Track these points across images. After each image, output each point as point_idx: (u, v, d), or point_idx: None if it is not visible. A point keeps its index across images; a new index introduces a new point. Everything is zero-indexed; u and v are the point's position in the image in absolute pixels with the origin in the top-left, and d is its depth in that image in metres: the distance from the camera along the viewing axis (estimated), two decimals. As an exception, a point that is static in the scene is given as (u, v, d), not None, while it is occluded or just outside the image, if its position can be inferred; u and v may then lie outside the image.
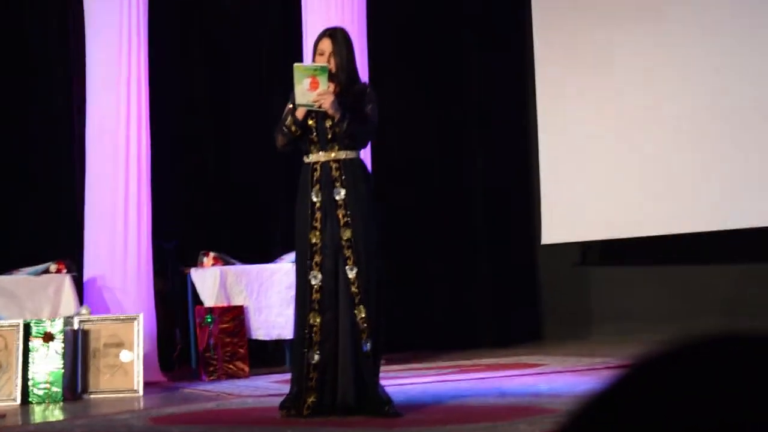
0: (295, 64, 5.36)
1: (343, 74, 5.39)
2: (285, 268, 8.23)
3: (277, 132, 5.47)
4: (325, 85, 5.23)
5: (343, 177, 5.33)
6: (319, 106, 5.25)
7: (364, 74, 7.84)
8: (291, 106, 5.39)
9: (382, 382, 5.34)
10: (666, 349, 0.82)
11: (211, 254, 8.36)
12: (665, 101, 9.17)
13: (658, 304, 9.72)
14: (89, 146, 8.11)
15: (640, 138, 9.31)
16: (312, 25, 8.43)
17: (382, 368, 5.47)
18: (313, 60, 5.46)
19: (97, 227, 7.99)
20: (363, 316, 5.21)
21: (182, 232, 9.50)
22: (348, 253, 5.26)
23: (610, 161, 9.48)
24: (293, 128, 5.35)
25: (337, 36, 5.46)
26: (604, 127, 9.52)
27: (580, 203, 9.64)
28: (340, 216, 5.30)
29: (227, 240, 9.34)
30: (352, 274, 5.24)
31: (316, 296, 5.28)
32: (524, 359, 8.20)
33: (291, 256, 7.76)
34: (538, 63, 9.98)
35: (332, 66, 5.36)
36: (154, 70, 8.36)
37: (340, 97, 5.30)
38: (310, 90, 5.22)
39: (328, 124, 5.32)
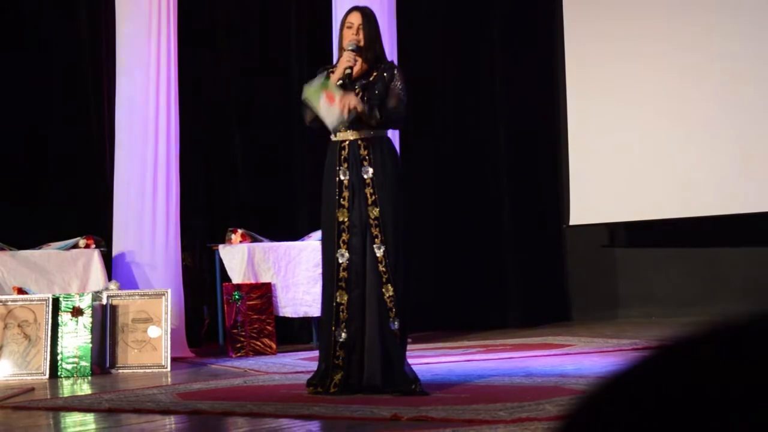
0: (304, 94, 5.31)
1: (369, 50, 5.38)
2: (312, 246, 8.23)
3: (305, 108, 5.46)
4: (339, 92, 5.21)
5: (371, 155, 5.32)
6: (349, 111, 5.22)
7: (392, 56, 7.83)
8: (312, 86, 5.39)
9: (409, 361, 5.35)
10: (698, 331, 0.80)
11: (239, 231, 8.37)
12: (693, 86, 9.13)
13: (685, 286, 9.69)
14: (119, 123, 8.14)
15: (668, 122, 9.27)
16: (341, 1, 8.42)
17: (408, 347, 5.48)
18: (341, 33, 5.45)
19: (126, 203, 8.02)
20: (390, 294, 5.21)
21: (210, 209, 9.53)
22: (376, 231, 5.25)
23: (639, 143, 9.45)
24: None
25: (366, 11, 5.46)
26: (632, 110, 9.48)
27: (608, 185, 9.61)
28: (368, 194, 5.29)
29: (254, 217, 9.36)
30: (380, 253, 5.24)
31: (343, 274, 5.27)
32: (551, 340, 8.19)
33: (318, 234, 7.76)
34: (568, 46, 9.93)
35: (360, 39, 5.35)
36: (182, 48, 8.37)
37: (364, 76, 5.30)
38: (330, 104, 5.19)
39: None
